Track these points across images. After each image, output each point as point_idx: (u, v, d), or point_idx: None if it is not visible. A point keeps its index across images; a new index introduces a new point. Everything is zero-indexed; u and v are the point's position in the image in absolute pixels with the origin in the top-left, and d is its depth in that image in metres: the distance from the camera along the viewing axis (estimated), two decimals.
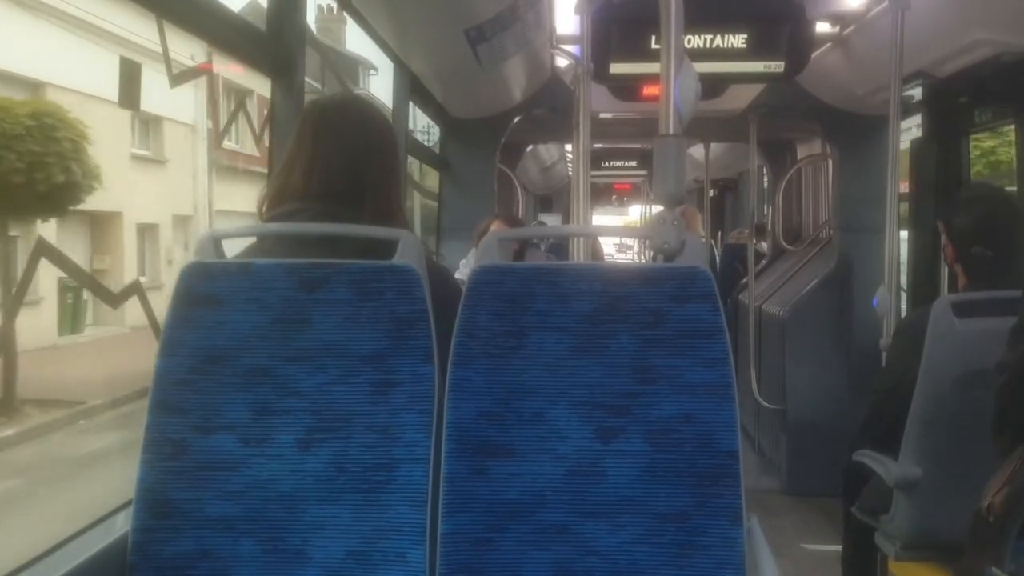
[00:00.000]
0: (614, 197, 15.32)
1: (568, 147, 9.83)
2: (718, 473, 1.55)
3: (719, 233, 10.67)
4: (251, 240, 1.84)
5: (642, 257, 13.04)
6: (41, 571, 1.52)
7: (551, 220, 11.93)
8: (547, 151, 9.80)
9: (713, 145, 8.17)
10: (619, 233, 14.39)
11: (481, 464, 1.58)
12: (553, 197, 13.21)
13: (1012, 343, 2.19)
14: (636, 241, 15.10)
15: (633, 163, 10.53)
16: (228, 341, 1.59)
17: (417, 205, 10.00)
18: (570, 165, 10.92)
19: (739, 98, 5.56)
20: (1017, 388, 2.16)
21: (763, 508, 5.20)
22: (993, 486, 2.15)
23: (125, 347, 11.35)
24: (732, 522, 1.55)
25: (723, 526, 1.54)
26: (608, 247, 16.76)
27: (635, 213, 17.76)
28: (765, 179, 8.77)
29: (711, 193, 9.87)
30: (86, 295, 13.92)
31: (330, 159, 1.78)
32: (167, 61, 2.40)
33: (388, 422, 1.57)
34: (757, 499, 5.41)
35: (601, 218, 16.62)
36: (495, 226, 4.10)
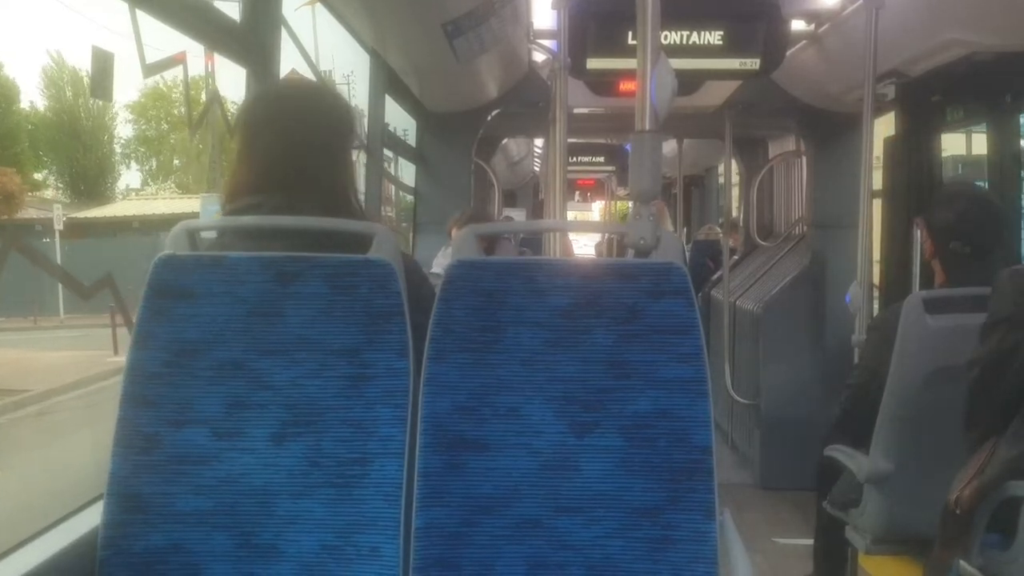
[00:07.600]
0: (577, 194, 15.13)
1: (537, 143, 9.81)
2: (691, 468, 1.56)
3: (686, 229, 10.71)
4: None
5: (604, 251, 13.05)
6: (9, 567, 1.50)
7: (516, 214, 11.92)
8: (516, 146, 9.77)
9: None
10: (595, 229, 14.37)
11: (456, 458, 1.58)
12: (517, 192, 13.20)
13: (984, 339, 2.23)
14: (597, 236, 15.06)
15: (601, 159, 10.50)
16: (201, 334, 1.58)
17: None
18: (536, 161, 10.90)
19: (714, 95, 5.58)
20: (988, 383, 2.19)
21: (736, 502, 5.24)
22: (962, 479, 2.18)
23: None
24: (705, 516, 1.55)
25: (696, 520, 1.55)
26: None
27: (597, 209, 17.63)
28: (734, 175, 8.81)
29: (674, 189, 9.91)
30: None
31: (267, 151, 1.76)
32: (140, 50, 2.38)
33: (362, 416, 1.56)
34: (730, 493, 5.45)
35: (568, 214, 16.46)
36: (456, 227, 4.01)
